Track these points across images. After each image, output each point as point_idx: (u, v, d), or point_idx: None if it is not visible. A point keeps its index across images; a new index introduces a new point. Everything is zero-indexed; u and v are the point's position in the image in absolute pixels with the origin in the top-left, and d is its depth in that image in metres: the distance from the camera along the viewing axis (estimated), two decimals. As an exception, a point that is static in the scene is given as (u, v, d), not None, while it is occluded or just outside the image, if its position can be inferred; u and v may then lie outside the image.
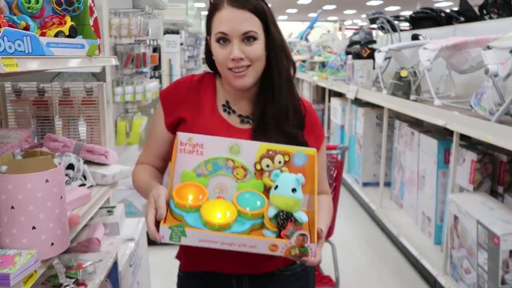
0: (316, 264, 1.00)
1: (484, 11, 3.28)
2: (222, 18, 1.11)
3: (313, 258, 0.96)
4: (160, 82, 4.27)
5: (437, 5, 14.84)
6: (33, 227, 1.02)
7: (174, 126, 1.20)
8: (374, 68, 3.80)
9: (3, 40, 0.96)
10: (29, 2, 1.25)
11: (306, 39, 7.50)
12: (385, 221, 3.25)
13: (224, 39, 1.11)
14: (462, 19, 3.54)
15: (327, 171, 1.79)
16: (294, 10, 18.39)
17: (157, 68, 3.92)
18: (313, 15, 6.60)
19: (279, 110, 1.16)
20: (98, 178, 1.58)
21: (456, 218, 2.16)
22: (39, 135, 1.79)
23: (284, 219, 0.97)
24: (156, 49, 3.98)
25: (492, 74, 1.94)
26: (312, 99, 6.05)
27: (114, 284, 1.48)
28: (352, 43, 4.43)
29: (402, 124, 3.23)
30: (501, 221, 1.87)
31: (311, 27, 6.38)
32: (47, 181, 1.03)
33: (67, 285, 1.22)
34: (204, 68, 9.08)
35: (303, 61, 6.45)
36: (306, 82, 6.27)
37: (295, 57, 6.36)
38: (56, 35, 1.29)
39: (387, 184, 3.57)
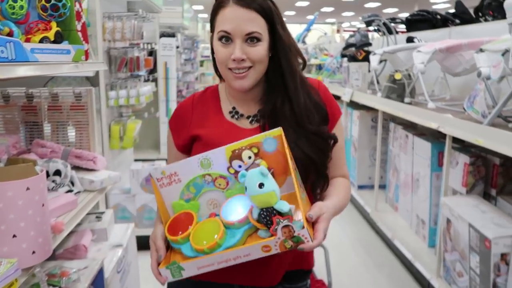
0: (317, 246, 0.93)
1: (480, 14, 3.28)
2: (226, 16, 1.08)
3: (310, 243, 0.90)
4: (156, 85, 4.27)
5: (434, 7, 14.85)
6: (14, 236, 1.02)
7: (187, 147, 1.20)
8: (369, 70, 3.79)
9: (-16, 47, 0.96)
10: (14, 8, 1.24)
11: (304, 42, 7.50)
12: (380, 224, 3.24)
13: (226, 38, 1.08)
14: (457, 21, 3.54)
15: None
16: (292, 13, 18.39)
17: (152, 71, 3.91)
18: (311, 17, 6.59)
19: (298, 111, 1.12)
20: (86, 184, 1.57)
21: (448, 221, 2.15)
22: (27, 140, 1.79)
23: (266, 216, 0.94)
24: (152, 53, 3.98)
25: (484, 77, 1.93)
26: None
27: (100, 290, 1.47)
28: (348, 46, 4.43)
29: (397, 126, 3.22)
30: (493, 224, 1.86)
31: (308, 30, 6.38)
32: (28, 189, 1.03)
33: (49, 293, 1.21)
34: (201, 70, 9.08)
35: (300, 63, 6.42)
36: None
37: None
38: (41, 41, 1.29)
39: (382, 186, 3.56)
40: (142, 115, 3.38)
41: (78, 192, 1.52)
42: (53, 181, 1.44)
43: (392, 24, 4.19)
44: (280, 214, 0.94)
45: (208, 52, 11.49)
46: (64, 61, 1.33)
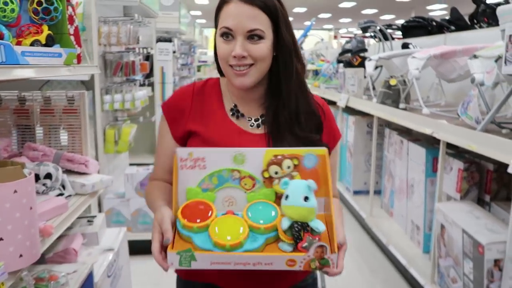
0: (338, 274, 0.93)
1: (475, 20, 3.30)
2: (229, 12, 1.06)
3: (335, 269, 0.90)
4: (153, 90, 4.27)
5: (431, 14, 14.95)
6: (1, 239, 1.01)
7: (184, 139, 1.15)
8: (365, 76, 3.80)
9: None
10: (5, 11, 1.24)
11: (301, 47, 7.53)
12: (375, 229, 3.23)
13: (228, 34, 1.06)
14: (452, 28, 3.56)
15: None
16: (290, 19, 18.48)
17: (149, 76, 3.91)
18: (308, 23, 6.61)
19: (289, 115, 1.11)
20: (77, 188, 1.56)
21: (443, 227, 2.15)
22: (19, 144, 1.78)
23: (299, 231, 0.91)
24: (148, 57, 3.98)
25: (478, 83, 1.94)
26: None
27: (89, 295, 1.46)
28: (344, 52, 4.45)
29: (392, 132, 3.23)
30: (486, 230, 1.86)
31: (305, 36, 6.40)
32: (15, 191, 1.02)
33: (37, 297, 1.20)
34: (198, 75, 9.09)
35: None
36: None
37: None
38: (32, 44, 1.28)
39: (378, 192, 3.56)
40: (138, 119, 3.38)
41: (69, 195, 1.51)
42: (44, 184, 1.43)
43: (389, 31, 4.21)
44: (312, 232, 0.92)
45: (205, 57, 11.52)
46: (55, 64, 1.33)
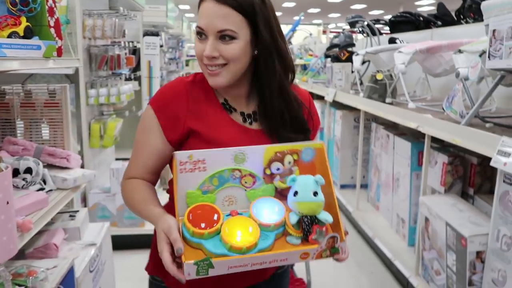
0: (345, 259, 1.01)
1: (461, 16, 3.32)
2: (202, 12, 1.04)
3: (344, 256, 0.98)
4: (139, 84, 4.23)
5: (420, 9, 15.01)
6: (-24, 234, 0.99)
7: (181, 141, 1.10)
8: (352, 71, 3.81)
9: None
10: (-19, 2, 1.22)
11: (289, 42, 7.51)
12: (361, 223, 3.25)
13: (201, 33, 1.05)
14: (439, 23, 3.58)
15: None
16: (278, 13, 18.43)
17: (135, 70, 3.88)
18: (297, 18, 6.60)
19: (273, 115, 1.10)
20: (58, 182, 1.54)
21: (427, 220, 2.16)
22: (-1, 138, 1.75)
23: (309, 224, 0.95)
24: (135, 51, 3.94)
25: (462, 78, 1.95)
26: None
27: (70, 290, 1.44)
28: (332, 46, 4.44)
29: (379, 126, 3.24)
30: (469, 223, 1.87)
31: (293, 30, 6.39)
32: (-9, 186, 1.00)
33: (15, 293, 1.18)
34: (186, 70, 9.04)
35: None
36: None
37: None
38: (9, 36, 1.26)
39: (364, 186, 3.58)
40: (124, 113, 3.35)
41: (50, 190, 1.49)
42: (24, 179, 1.41)
43: (377, 26, 4.21)
44: (319, 223, 0.95)
45: (194, 52, 11.45)
46: (33, 56, 1.31)
